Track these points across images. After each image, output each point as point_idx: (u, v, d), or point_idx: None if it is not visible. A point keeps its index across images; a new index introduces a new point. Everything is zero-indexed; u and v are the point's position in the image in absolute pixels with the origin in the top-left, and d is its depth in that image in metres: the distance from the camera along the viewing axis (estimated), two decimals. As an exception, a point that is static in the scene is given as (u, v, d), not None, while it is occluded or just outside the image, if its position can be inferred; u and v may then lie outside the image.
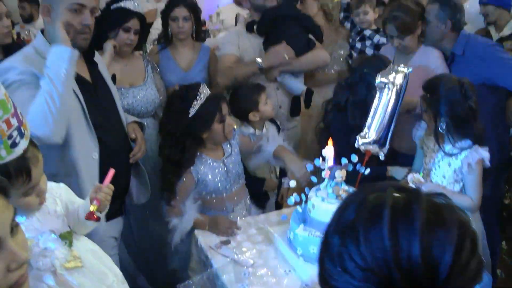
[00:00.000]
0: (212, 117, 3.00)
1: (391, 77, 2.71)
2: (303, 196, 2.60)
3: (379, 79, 2.73)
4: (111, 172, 2.28)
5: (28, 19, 6.98)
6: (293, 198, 2.62)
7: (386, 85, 2.72)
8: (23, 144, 1.57)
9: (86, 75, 2.81)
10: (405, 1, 3.58)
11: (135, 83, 3.53)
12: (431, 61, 3.56)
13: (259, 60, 3.70)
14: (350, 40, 4.29)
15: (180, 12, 3.86)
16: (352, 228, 1.01)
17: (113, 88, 3.00)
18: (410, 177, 2.89)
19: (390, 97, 2.72)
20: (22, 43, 5.21)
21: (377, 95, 2.76)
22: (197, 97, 2.97)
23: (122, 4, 3.39)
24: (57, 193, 2.21)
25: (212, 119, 3.00)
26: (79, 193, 2.43)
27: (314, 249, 2.44)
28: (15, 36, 4.90)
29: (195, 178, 3.04)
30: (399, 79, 2.71)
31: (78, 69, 2.62)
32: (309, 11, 4.16)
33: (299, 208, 2.65)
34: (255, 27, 3.87)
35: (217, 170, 3.09)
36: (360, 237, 0.98)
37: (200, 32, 4.13)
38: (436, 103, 2.88)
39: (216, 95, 3.12)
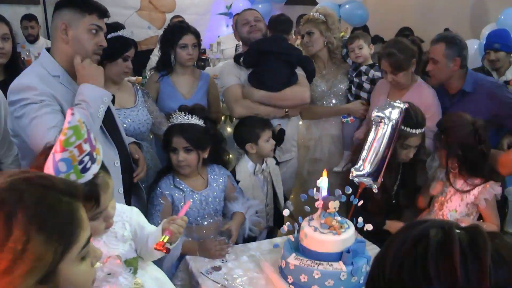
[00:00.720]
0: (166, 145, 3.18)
1: (387, 111, 2.77)
2: (296, 225, 2.63)
3: (375, 114, 2.78)
4: (188, 203, 2.29)
5: (35, 39, 7.08)
6: (285, 227, 2.64)
7: (382, 120, 2.77)
8: (94, 169, 1.62)
9: None
10: (401, 38, 3.69)
11: (126, 105, 3.56)
12: (425, 98, 3.64)
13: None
14: (348, 75, 4.34)
15: (190, 39, 3.92)
16: (416, 262, 1.03)
17: (113, 108, 3.01)
18: None
19: (385, 131, 2.77)
20: (23, 64, 5.27)
21: (372, 129, 2.80)
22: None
23: (120, 33, 3.45)
24: (128, 217, 2.20)
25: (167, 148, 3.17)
26: None
27: (305, 277, 2.45)
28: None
29: (170, 202, 3.07)
30: (395, 114, 2.76)
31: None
32: (315, 46, 4.22)
33: (291, 237, 2.67)
34: (241, 59, 3.92)
35: (191, 200, 3.07)
36: (431, 273, 1.00)
37: (199, 60, 4.20)
38: (449, 144, 3.00)
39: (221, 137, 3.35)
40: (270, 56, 3.80)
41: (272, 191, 3.69)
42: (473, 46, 5.61)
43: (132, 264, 2.09)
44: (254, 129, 3.52)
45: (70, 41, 2.62)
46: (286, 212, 2.74)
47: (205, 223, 3.17)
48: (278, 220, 3.69)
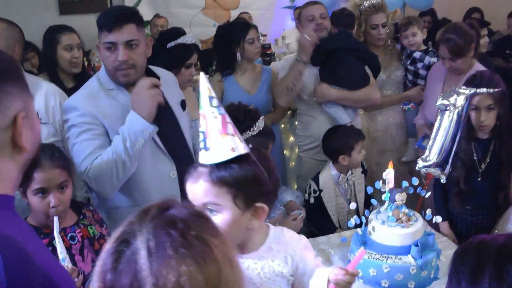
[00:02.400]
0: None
1: (452, 99, 2.70)
2: (363, 218, 2.61)
3: (439, 101, 2.72)
4: (362, 252, 1.83)
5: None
6: (353, 220, 2.62)
7: (447, 107, 2.71)
8: (203, 158, 1.67)
9: None
10: (459, 23, 3.59)
11: (192, 117, 3.38)
12: None
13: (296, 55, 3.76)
14: (402, 63, 4.27)
15: (254, 33, 3.96)
16: None
17: (179, 113, 2.88)
18: None
19: (451, 119, 2.70)
20: (93, 70, 5.49)
21: (438, 117, 2.74)
22: (251, 128, 3.01)
23: (180, 40, 3.36)
24: (292, 250, 1.92)
25: None
26: None
27: (374, 271, 2.43)
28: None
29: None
30: (460, 101, 2.69)
31: None
32: (385, 37, 4.17)
33: (359, 230, 2.65)
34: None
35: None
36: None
37: (266, 55, 4.20)
38: None
39: (267, 131, 3.14)
40: (340, 53, 3.74)
41: (355, 199, 3.58)
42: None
43: None
44: (348, 140, 3.42)
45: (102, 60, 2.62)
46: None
47: (275, 215, 3.18)
48: None
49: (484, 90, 2.81)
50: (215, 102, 1.62)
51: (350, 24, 3.97)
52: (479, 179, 3.18)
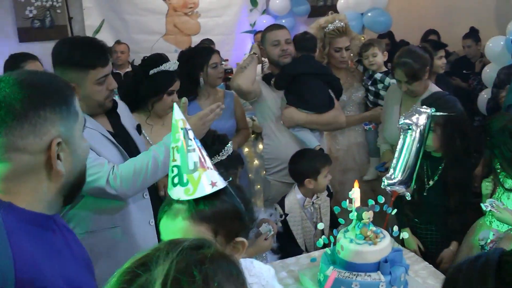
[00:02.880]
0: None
1: (414, 118, 2.78)
2: (331, 238, 2.64)
3: (402, 121, 2.79)
4: (333, 274, 1.97)
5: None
6: (322, 241, 2.65)
7: (410, 126, 2.78)
8: (178, 193, 1.55)
9: (107, 126, 2.72)
10: (413, 47, 3.64)
11: None
12: None
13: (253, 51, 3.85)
14: (363, 84, 4.37)
15: (217, 58, 3.97)
16: None
17: (138, 138, 2.90)
18: (490, 201, 2.95)
19: (414, 138, 2.77)
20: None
21: (401, 136, 2.81)
22: (220, 153, 3.00)
23: (162, 67, 3.28)
24: (265, 281, 1.97)
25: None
26: (131, 241, 2.55)
27: (344, 290, 2.46)
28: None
29: None
30: (422, 119, 2.77)
31: (99, 120, 2.64)
32: (348, 59, 4.25)
33: (328, 250, 2.68)
34: (272, 81, 3.89)
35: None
36: None
37: (227, 80, 4.23)
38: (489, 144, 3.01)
39: (236, 156, 3.12)
40: (304, 77, 3.79)
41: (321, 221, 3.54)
42: (500, 43, 5.54)
43: None
44: (315, 164, 3.44)
45: (82, 99, 2.42)
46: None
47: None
48: None
49: (438, 113, 2.90)
50: (191, 134, 1.56)
51: (312, 48, 4.01)
52: (425, 193, 3.29)
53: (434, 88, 3.73)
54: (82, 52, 2.49)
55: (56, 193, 1.42)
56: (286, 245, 3.42)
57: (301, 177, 3.48)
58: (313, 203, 3.51)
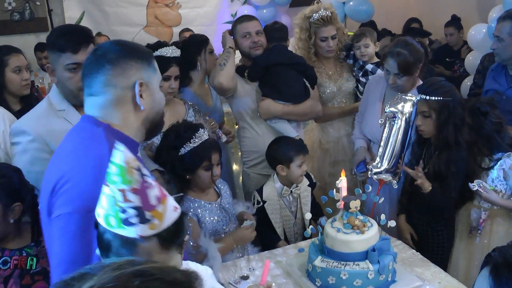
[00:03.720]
0: (199, 163, 2.97)
1: (399, 106, 2.78)
2: (319, 227, 2.63)
3: (387, 109, 2.79)
4: (267, 264, 2.01)
5: (51, 69, 7.16)
6: (309, 230, 2.65)
7: (396, 114, 2.77)
8: (142, 231, 1.42)
9: None
10: (411, 40, 3.45)
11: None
12: None
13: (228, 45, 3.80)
14: (354, 74, 4.33)
15: (212, 46, 4.04)
16: None
17: None
18: (478, 181, 2.96)
19: (399, 126, 2.78)
20: (36, 92, 5.37)
21: (386, 125, 2.81)
22: (191, 140, 2.97)
23: (158, 52, 3.30)
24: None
25: (198, 165, 2.98)
26: None
27: (333, 279, 2.46)
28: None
29: (196, 222, 2.99)
30: (407, 107, 2.77)
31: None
32: (335, 49, 4.21)
33: (316, 240, 2.67)
34: (245, 73, 3.84)
35: (213, 212, 3.06)
36: None
37: None
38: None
39: (211, 142, 3.09)
40: (277, 68, 3.75)
41: (301, 211, 3.54)
42: (482, 30, 5.56)
43: None
44: (288, 151, 3.40)
45: (58, 84, 2.58)
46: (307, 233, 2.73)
47: (230, 229, 3.13)
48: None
49: (425, 96, 2.89)
50: (145, 170, 1.47)
51: (283, 37, 3.95)
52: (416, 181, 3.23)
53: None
54: (57, 35, 2.54)
55: (140, 125, 1.90)
56: (264, 234, 3.39)
57: (273, 163, 3.47)
58: (291, 191, 3.48)
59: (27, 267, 2.34)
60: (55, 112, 2.58)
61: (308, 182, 3.59)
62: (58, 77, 2.54)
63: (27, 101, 3.70)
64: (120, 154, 1.38)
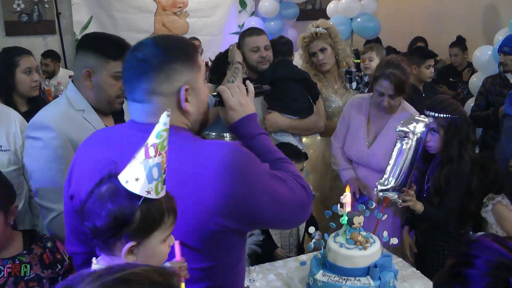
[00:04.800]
0: None
1: (411, 126, 2.80)
2: (322, 242, 2.65)
3: (399, 128, 2.81)
4: (178, 244, 1.96)
5: (51, 75, 7.18)
6: (312, 244, 2.66)
7: (407, 134, 2.79)
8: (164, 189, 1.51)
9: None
10: (396, 60, 3.45)
11: None
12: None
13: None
14: (360, 91, 4.36)
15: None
16: None
17: None
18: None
19: (410, 146, 2.79)
20: (43, 94, 5.40)
21: (397, 144, 2.83)
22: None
23: None
24: None
25: None
26: None
27: (334, 294, 2.47)
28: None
29: None
30: (419, 127, 2.79)
31: (105, 120, 2.62)
32: (330, 61, 4.23)
33: (318, 253, 2.69)
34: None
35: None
36: None
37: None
38: None
39: None
40: (284, 82, 3.77)
41: None
42: (487, 52, 5.61)
43: None
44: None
45: (94, 88, 2.52)
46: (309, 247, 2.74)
47: None
48: (301, 251, 3.61)
49: (436, 115, 2.93)
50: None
51: (288, 52, 3.99)
52: (424, 195, 3.27)
53: (406, 105, 3.62)
54: (109, 43, 2.53)
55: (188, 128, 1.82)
56: (264, 241, 3.38)
57: None
58: None
59: (21, 274, 2.31)
60: (75, 111, 2.55)
61: None
62: (97, 82, 2.50)
63: (35, 102, 3.74)
64: (168, 120, 1.45)
